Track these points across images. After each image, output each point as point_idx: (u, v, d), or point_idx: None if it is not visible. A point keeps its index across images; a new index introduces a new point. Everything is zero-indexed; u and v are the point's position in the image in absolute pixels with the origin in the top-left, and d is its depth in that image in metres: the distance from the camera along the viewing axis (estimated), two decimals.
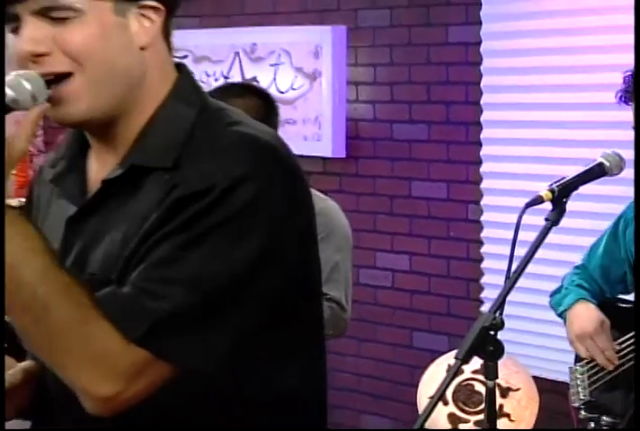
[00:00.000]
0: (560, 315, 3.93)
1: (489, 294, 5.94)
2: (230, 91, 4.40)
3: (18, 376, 2.28)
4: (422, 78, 6.26)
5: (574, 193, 3.08)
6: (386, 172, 6.42)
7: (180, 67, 2.26)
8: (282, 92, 6.68)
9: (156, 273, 2.04)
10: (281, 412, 2.24)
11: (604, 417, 3.85)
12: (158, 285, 2.03)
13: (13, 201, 2.02)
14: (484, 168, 5.97)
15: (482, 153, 5.97)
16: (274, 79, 6.76)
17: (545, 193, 3.03)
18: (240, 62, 6.90)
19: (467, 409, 4.99)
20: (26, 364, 2.30)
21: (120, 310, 2.02)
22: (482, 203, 6.00)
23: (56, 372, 2.06)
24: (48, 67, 2.09)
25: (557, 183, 3.05)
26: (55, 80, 2.09)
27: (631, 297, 3.87)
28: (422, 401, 5.27)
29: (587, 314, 3.87)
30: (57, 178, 2.28)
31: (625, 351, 3.84)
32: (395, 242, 6.38)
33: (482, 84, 5.94)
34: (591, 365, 3.94)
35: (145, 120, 2.18)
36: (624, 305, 3.88)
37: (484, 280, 6.00)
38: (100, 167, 2.22)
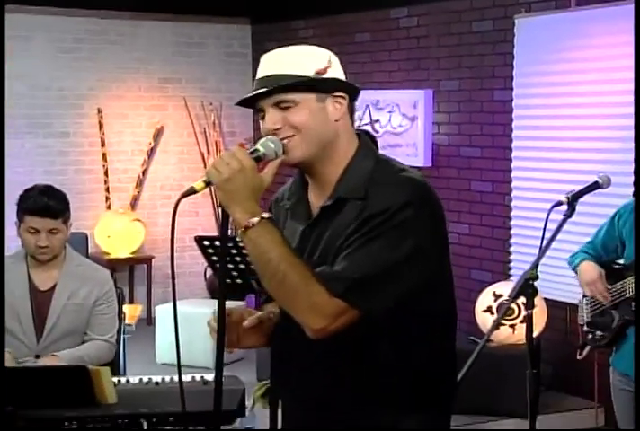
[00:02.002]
0: (574, 269, 3.72)
1: (515, 249, 5.95)
2: None
3: (268, 315, 2.21)
4: (477, 121, 6.27)
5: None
6: (455, 175, 6.41)
7: (360, 134, 2.19)
8: (394, 128, 6.69)
9: (351, 257, 2.01)
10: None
11: (597, 332, 3.67)
12: (351, 263, 2.00)
13: (265, 214, 2.01)
14: (513, 174, 5.96)
15: (512, 165, 5.96)
16: (389, 120, 6.74)
17: (563, 199, 2.93)
18: (369, 110, 6.87)
19: (505, 317, 4.94)
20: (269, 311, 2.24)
21: (330, 277, 2.00)
22: (512, 194, 5.98)
23: (291, 314, 2.03)
24: (282, 134, 2.08)
25: (570, 193, 2.96)
26: (286, 138, 2.07)
27: (621, 261, 3.61)
28: (478, 311, 5.38)
29: (591, 269, 3.62)
30: (291, 207, 2.23)
31: (614, 292, 3.56)
32: (461, 217, 6.33)
33: (513, 125, 5.93)
34: (592, 299, 3.72)
35: (341, 170, 2.13)
36: (615, 266, 3.62)
37: (512, 240, 6.00)
38: (315, 199, 2.18)
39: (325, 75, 2.10)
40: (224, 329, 2.04)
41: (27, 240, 3.78)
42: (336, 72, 2.14)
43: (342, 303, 1.99)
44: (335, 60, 2.15)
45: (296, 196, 2.23)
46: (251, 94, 2.10)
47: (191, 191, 1.99)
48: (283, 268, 1.98)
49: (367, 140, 2.19)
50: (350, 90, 2.14)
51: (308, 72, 2.09)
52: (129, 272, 8.04)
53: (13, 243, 3.89)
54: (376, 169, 2.12)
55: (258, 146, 2.06)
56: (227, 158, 2.01)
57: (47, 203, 3.73)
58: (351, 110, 2.17)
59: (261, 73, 2.12)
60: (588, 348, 3.78)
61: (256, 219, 1.99)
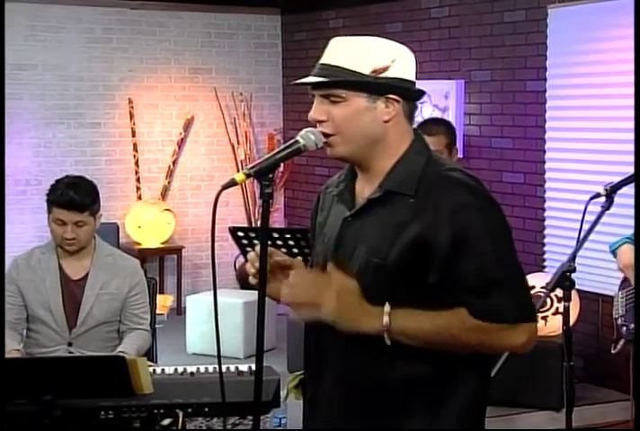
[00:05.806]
0: (613, 252, 3.62)
1: (549, 240, 5.93)
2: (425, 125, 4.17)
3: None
4: (509, 111, 6.23)
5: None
6: (486, 167, 6.37)
7: (415, 131, 2.15)
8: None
9: (495, 286, 2.03)
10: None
11: (631, 325, 3.63)
12: (501, 291, 2.03)
13: (387, 307, 1.99)
14: (547, 165, 5.94)
15: (546, 156, 5.94)
16: (420, 111, 6.49)
17: (601, 191, 2.92)
18: None
19: (539, 309, 4.84)
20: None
21: (497, 310, 2.01)
22: (545, 186, 5.97)
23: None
24: (324, 129, 2.07)
25: (609, 185, 2.94)
26: (326, 135, 2.07)
27: None
28: None
29: (629, 251, 3.59)
30: (338, 194, 2.20)
31: None
32: None
33: (546, 116, 5.91)
34: (627, 291, 3.65)
35: (391, 163, 2.10)
36: None
37: (546, 232, 5.97)
38: (361, 190, 2.15)
39: (384, 74, 2.05)
40: (263, 324, 2.01)
41: (54, 230, 3.83)
42: (399, 72, 2.07)
43: (524, 325, 2.06)
44: (403, 59, 2.09)
45: (344, 183, 2.21)
46: (302, 81, 2.08)
47: (232, 183, 2.00)
48: (448, 334, 2.00)
49: (421, 137, 2.16)
50: (406, 93, 2.09)
51: (365, 69, 2.04)
52: (160, 262, 8.09)
53: (45, 233, 3.91)
54: (427, 166, 2.09)
55: (298, 138, 2.06)
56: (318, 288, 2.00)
57: (72, 197, 3.74)
58: (409, 111, 2.12)
59: (323, 58, 2.09)
60: (622, 342, 3.74)
61: (385, 318, 1.99)
